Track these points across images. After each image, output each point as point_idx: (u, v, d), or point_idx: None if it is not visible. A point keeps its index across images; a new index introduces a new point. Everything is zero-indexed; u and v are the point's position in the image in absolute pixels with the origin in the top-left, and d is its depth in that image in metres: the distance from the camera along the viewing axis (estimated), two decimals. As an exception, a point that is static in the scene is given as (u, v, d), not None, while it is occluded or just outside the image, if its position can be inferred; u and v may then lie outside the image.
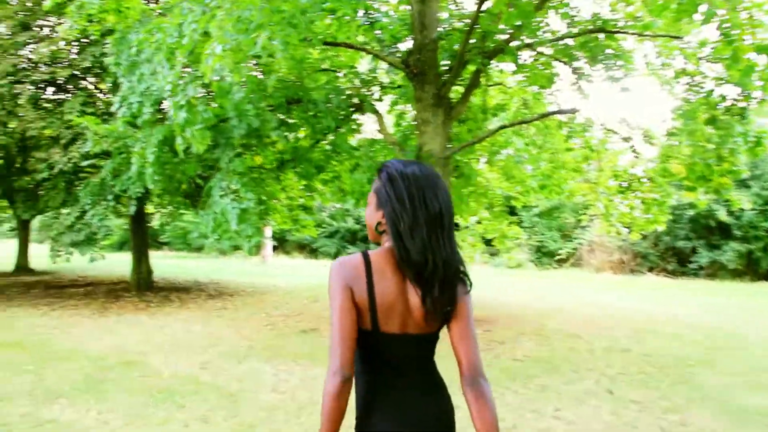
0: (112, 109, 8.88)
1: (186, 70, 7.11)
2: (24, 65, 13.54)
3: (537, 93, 12.11)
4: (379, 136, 11.53)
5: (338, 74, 11.52)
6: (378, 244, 1.99)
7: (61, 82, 13.88)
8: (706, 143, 9.96)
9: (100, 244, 12.84)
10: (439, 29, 9.80)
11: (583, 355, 7.72)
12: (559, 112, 10.60)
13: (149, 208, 17.61)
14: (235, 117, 8.33)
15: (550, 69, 10.86)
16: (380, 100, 11.71)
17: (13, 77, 12.80)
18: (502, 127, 10.66)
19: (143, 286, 15.07)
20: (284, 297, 13.93)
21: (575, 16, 9.91)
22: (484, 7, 8.53)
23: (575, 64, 10.72)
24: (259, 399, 5.67)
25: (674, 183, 11.89)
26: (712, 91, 9.35)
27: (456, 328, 1.90)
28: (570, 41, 10.16)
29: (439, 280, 1.83)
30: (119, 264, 21.22)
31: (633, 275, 22.17)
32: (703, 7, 6.24)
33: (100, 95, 14.61)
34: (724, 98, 9.25)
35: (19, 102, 13.01)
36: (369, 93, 11.17)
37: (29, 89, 12.88)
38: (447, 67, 10.32)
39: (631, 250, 23.18)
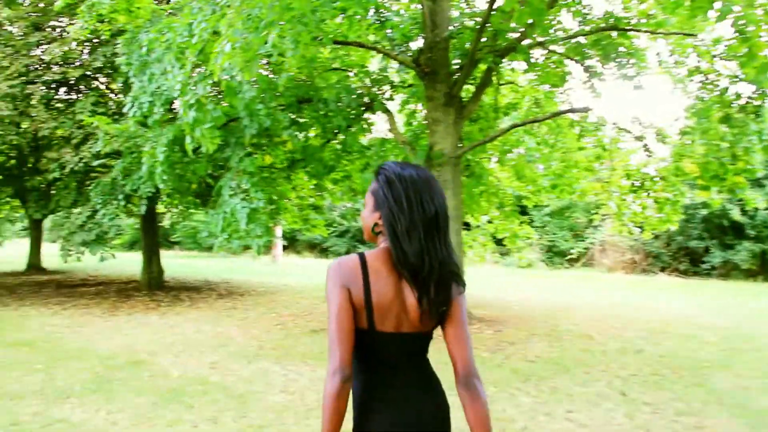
0: (124, 109, 8.88)
1: (196, 69, 7.09)
2: (36, 66, 13.59)
3: (549, 92, 12.05)
4: (390, 136, 11.49)
5: (349, 74, 11.48)
6: (373, 244, 2.01)
7: (73, 82, 13.92)
8: (720, 142, 9.86)
9: (110, 244, 12.85)
10: (450, 28, 9.76)
11: (595, 356, 7.64)
12: (571, 110, 10.52)
13: (160, 208, 17.65)
14: (247, 116, 8.30)
15: (562, 67, 10.79)
16: (391, 99, 11.68)
17: (25, 78, 12.84)
18: (514, 126, 10.60)
19: (154, 285, 15.09)
20: (294, 296, 13.91)
21: (587, 14, 9.84)
22: (495, 6, 8.46)
23: (587, 62, 10.64)
24: (268, 400, 5.63)
25: (687, 182, 11.79)
26: (727, 89, 9.26)
27: (450, 330, 1.93)
28: (582, 39, 10.08)
29: (435, 281, 1.86)
30: (130, 263, 21.29)
31: (645, 275, 22.02)
32: (718, 4, 6.16)
33: (112, 95, 14.66)
34: (738, 96, 9.15)
35: (31, 102, 13.06)
36: (380, 92, 11.13)
37: (41, 90, 12.93)
38: (458, 66, 10.27)
39: (643, 250, 23.03)
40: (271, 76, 10.10)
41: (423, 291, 1.85)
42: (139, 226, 17.21)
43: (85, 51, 14.01)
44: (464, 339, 1.94)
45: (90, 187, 11.98)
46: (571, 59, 10.68)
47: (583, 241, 24.70)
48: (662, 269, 22.38)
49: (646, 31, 9.92)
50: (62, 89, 14.55)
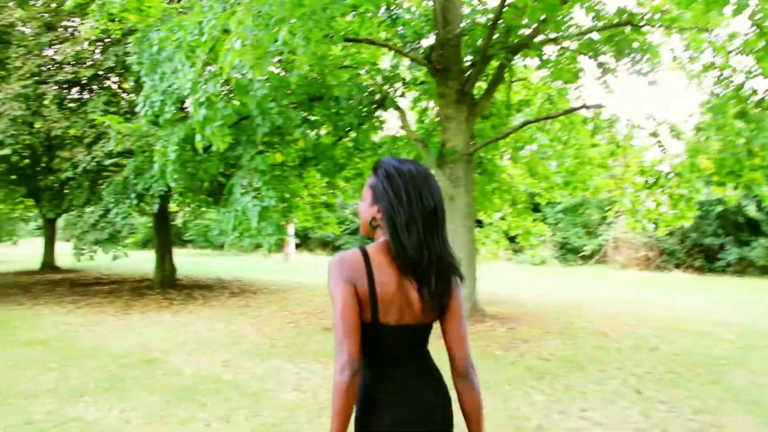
0: (136, 108, 8.90)
1: (207, 67, 7.08)
2: (48, 66, 13.66)
3: (561, 88, 11.96)
4: (402, 133, 11.45)
5: (360, 71, 11.45)
6: (369, 239, 2.05)
7: (85, 81, 13.98)
8: (735, 138, 9.74)
9: (123, 242, 12.90)
10: (462, 24, 9.70)
11: (609, 353, 7.57)
12: (585, 107, 10.45)
13: (172, 207, 17.71)
14: (259, 115, 8.29)
15: (575, 64, 10.70)
16: (403, 96, 11.63)
17: (37, 77, 12.91)
18: (526, 122, 10.54)
19: (167, 283, 15.15)
20: (307, 294, 13.91)
21: (601, 9, 9.73)
22: (507, 2, 8.41)
23: (601, 58, 10.54)
24: (280, 398, 5.61)
25: (702, 178, 11.67)
26: (743, 84, 9.14)
27: (449, 322, 1.98)
28: (595, 35, 9.99)
29: (434, 273, 1.91)
30: (143, 262, 21.38)
31: (659, 272, 21.88)
32: (734, -2, 6.08)
33: (123, 95, 14.71)
34: (755, 92, 9.04)
35: (44, 102, 13.13)
36: (391, 90, 11.09)
37: (54, 89, 12.99)
38: (470, 63, 10.22)
39: (657, 247, 22.87)
40: (282, 74, 10.08)
41: (423, 283, 1.89)
42: (152, 225, 17.27)
43: (97, 51, 14.07)
44: (462, 331, 2.00)
45: (102, 186, 12.03)
46: (584, 55, 10.59)
47: (597, 238, 24.57)
48: (677, 266, 22.22)
49: (660, 27, 9.82)
50: (74, 89, 14.62)
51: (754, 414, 5.19)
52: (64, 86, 13.86)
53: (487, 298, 11.46)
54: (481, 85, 11.02)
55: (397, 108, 10.40)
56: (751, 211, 19.83)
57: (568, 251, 25.13)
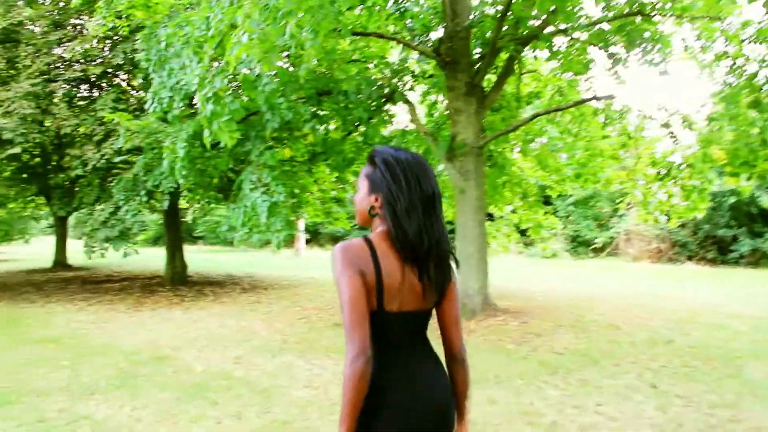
0: (146, 105, 8.88)
1: (214, 63, 7.05)
2: (58, 64, 13.68)
3: (572, 80, 11.85)
4: (412, 127, 11.39)
5: (369, 65, 11.39)
6: (364, 230, 2.05)
7: (94, 79, 13.99)
8: (749, 127, 9.63)
9: (133, 239, 12.91)
10: (470, 16, 9.61)
11: (623, 347, 7.49)
12: (595, 98, 10.34)
13: (183, 203, 17.72)
14: (268, 110, 8.24)
15: (585, 55, 10.60)
16: (412, 89, 11.56)
17: (47, 76, 12.92)
18: (537, 115, 10.45)
19: (177, 280, 15.17)
20: (318, 290, 13.90)
21: (611, -1, 9.63)
22: (517, -8, 8.32)
23: (611, 49, 10.43)
24: (292, 395, 5.58)
25: (715, 169, 11.56)
26: (756, 73, 9.02)
27: (445, 308, 2.05)
28: (606, 25, 9.87)
29: (434, 259, 1.94)
30: (154, 259, 21.44)
31: (671, 264, 21.73)
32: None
33: (133, 92, 14.71)
34: (768, 81, 8.92)
35: (53, 100, 13.14)
36: (400, 83, 11.02)
37: (63, 87, 13.00)
38: (479, 55, 10.13)
39: (670, 239, 22.71)
40: (291, 69, 10.03)
41: (423, 269, 1.92)
42: (163, 222, 17.31)
43: (106, 48, 14.07)
44: (458, 320, 2.09)
45: (112, 184, 12.03)
46: (595, 46, 10.48)
47: (608, 230, 24.43)
48: (689, 258, 22.06)
49: (671, 16, 9.69)
50: (83, 86, 14.64)
51: (772, 408, 5.11)
52: (73, 84, 13.88)
53: (499, 291, 11.40)
54: (490, 78, 10.94)
55: (407, 101, 10.34)
56: (765, 201, 19.65)
57: (579, 244, 25.00)
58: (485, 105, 9.95)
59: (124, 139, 10.49)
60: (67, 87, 13.53)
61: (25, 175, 15.61)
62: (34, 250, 32.75)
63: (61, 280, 16.61)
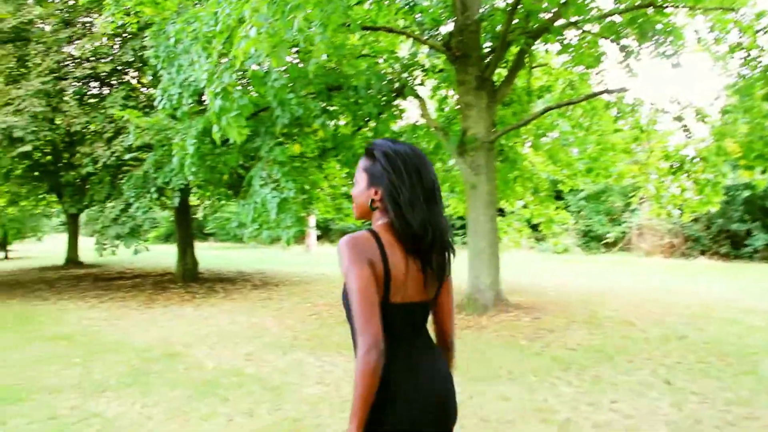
0: (155, 102, 8.87)
1: (223, 58, 7.01)
2: (68, 61, 13.71)
3: (583, 73, 11.75)
4: (422, 122, 11.32)
5: (378, 60, 11.33)
6: (361, 225, 2.00)
7: (104, 76, 14.01)
8: (764, 120, 9.51)
9: (144, 237, 12.93)
10: (481, 10, 9.53)
11: (637, 343, 7.42)
12: (607, 91, 10.25)
13: (193, 200, 17.75)
14: (278, 106, 8.21)
15: (597, 48, 10.50)
16: (422, 84, 11.49)
17: (57, 74, 12.95)
18: (549, 108, 10.36)
19: (188, 277, 15.19)
20: (329, 286, 13.87)
21: (623, -10, 9.52)
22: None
23: (623, 41, 10.32)
24: (303, 392, 5.55)
25: (729, 162, 11.43)
26: (772, 65, 8.90)
27: (441, 298, 2.08)
28: (617, 18, 9.77)
29: (437, 249, 1.97)
30: (165, 256, 21.49)
31: (684, 259, 21.54)
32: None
33: (143, 89, 14.73)
34: (785, 72, 8.80)
35: (64, 98, 13.18)
36: (410, 78, 10.95)
37: (73, 85, 13.03)
38: (489, 49, 10.06)
39: (682, 234, 22.50)
40: (300, 65, 9.98)
41: (426, 259, 1.95)
42: (174, 219, 17.34)
43: (115, 46, 14.09)
44: (452, 311, 2.14)
45: (123, 181, 12.05)
46: (606, 39, 10.38)
47: (620, 225, 24.26)
48: (702, 253, 21.85)
49: (684, 7, 9.58)
50: (94, 84, 14.67)
51: (790, 404, 5.03)
52: (83, 82, 13.91)
53: (510, 287, 11.33)
54: (501, 72, 10.86)
55: (417, 96, 10.27)
56: (780, 195, 19.45)
57: (591, 239, 24.84)
58: (496, 99, 9.87)
59: (134, 136, 10.48)
60: (78, 85, 13.57)
61: (36, 173, 15.66)
62: (47, 248, 32.93)
63: (73, 278, 16.68)
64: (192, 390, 5.66)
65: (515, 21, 8.97)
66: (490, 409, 4.91)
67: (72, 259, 21.30)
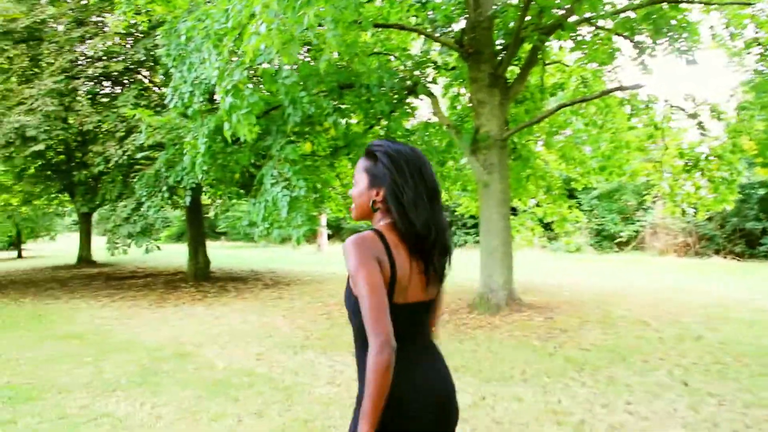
0: (166, 100, 8.86)
1: (234, 56, 6.97)
2: (80, 61, 13.74)
3: (596, 70, 11.64)
4: (435, 120, 11.25)
5: (390, 58, 11.27)
6: (359, 225, 1.97)
7: (116, 75, 14.04)
8: (781, 117, 9.39)
9: (156, 236, 12.94)
10: (494, 6, 9.45)
11: (652, 343, 7.31)
12: (622, 88, 10.13)
13: (205, 199, 17.76)
14: (290, 104, 8.17)
15: (611, 44, 10.39)
16: (434, 82, 11.42)
17: (69, 73, 12.98)
18: (562, 105, 10.26)
19: (200, 276, 15.20)
20: (340, 285, 13.81)
21: (637, -14, 9.41)
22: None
23: (637, 38, 10.21)
24: (314, 392, 5.50)
25: (745, 159, 11.30)
26: (789, 61, 8.77)
27: (434, 301, 2.09)
28: (631, 14, 9.66)
29: (439, 250, 1.99)
30: (177, 255, 21.53)
31: (698, 258, 21.32)
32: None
33: (154, 88, 14.74)
34: (802, 68, 8.67)
35: (76, 97, 13.21)
36: (422, 76, 10.88)
37: (86, 84, 13.06)
38: (502, 46, 9.97)
39: (696, 233, 22.28)
40: (312, 63, 9.94)
41: (429, 259, 1.96)
42: (185, 218, 17.37)
43: (127, 45, 14.12)
44: (442, 302, 2.19)
45: (134, 180, 12.06)
46: (620, 35, 10.27)
47: (633, 224, 24.06)
48: (716, 252, 21.62)
49: (699, 2, 9.46)
50: (106, 83, 14.71)
51: (809, 406, 4.93)
52: (96, 81, 13.94)
53: (523, 286, 11.24)
54: (513, 69, 10.78)
55: (429, 94, 10.20)
56: (796, 193, 19.22)
57: (603, 238, 24.64)
58: (509, 96, 9.79)
59: (146, 135, 10.48)
60: (90, 84, 13.59)
61: (49, 172, 15.73)
62: (60, 247, 33.14)
63: (86, 277, 16.74)
64: (202, 390, 5.62)
65: (528, 17, 8.89)
66: (503, 411, 4.84)
67: (84, 258, 21.40)
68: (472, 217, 14.77)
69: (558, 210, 13.93)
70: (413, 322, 1.97)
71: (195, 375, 6.21)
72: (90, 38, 13.71)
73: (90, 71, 13.31)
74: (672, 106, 11.45)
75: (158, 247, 12.88)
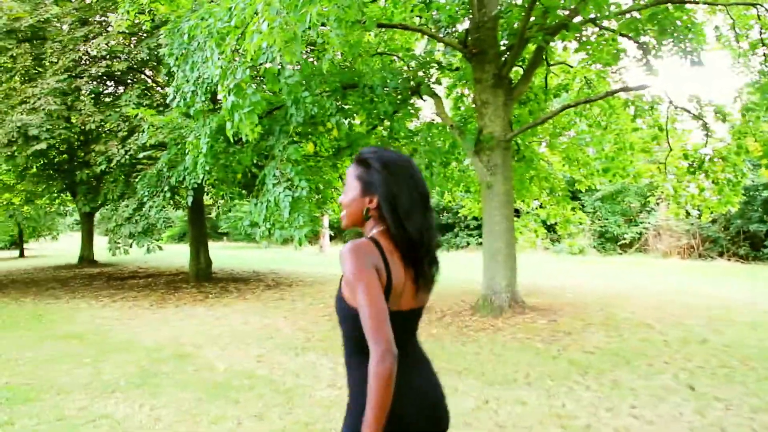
0: (168, 100, 8.82)
1: (236, 55, 6.93)
2: (84, 60, 13.72)
3: (601, 71, 11.58)
4: (438, 120, 11.19)
5: (394, 58, 11.22)
6: (350, 232, 1.95)
7: (119, 75, 14.01)
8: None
9: (157, 236, 12.90)
10: (498, 6, 9.40)
11: (657, 346, 7.24)
12: (627, 89, 10.05)
13: (207, 199, 17.72)
14: (292, 104, 8.12)
15: (615, 45, 10.32)
16: (438, 82, 11.36)
17: (72, 72, 12.96)
18: (567, 106, 10.20)
19: (202, 277, 15.15)
20: (342, 287, 13.74)
21: (643, -14, 9.34)
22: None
23: (642, 38, 10.14)
24: (315, 395, 5.44)
25: (750, 161, 11.23)
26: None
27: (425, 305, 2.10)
28: (636, 14, 9.59)
29: (430, 257, 1.99)
30: (179, 255, 21.51)
31: (702, 260, 21.23)
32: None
33: (158, 88, 14.71)
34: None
35: (80, 97, 13.18)
36: (426, 75, 10.82)
37: (88, 83, 13.03)
38: (506, 47, 9.92)
39: (700, 235, 22.19)
40: (315, 63, 9.89)
41: (421, 267, 1.96)
42: (187, 218, 17.33)
43: (131, 44, 14.09)
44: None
45: (136, 180, 12.03)
46: (625, 36, 10.20)
47: (636, 226, 23.98)
48: (720, 254, 21.53)
49: (705, 3, 9.38)
50: (109, 83, 14.69)
51: (817, 411, 4.85)
52: (99, 80, 13.92)
53: (526, 288, 11.17)
54: (518, 70, 10.72)
55: (433, 94, 10.15)
56: (801, 196, 19.12)
57: (606, 240, 24.56)
58: (513, 97, 9.73)
59: (148, 135, 10.44)
60: (95, 83, 13.57)
61: (51, 172, 15.71)
62: (62, 246, 33.14)
63: (87, 276, 16.71)
64: (202, 392, 5.57)
65: (533, 18, 8.82)
66: (507, 415, 4.78)
67: (86, 258, 21.37)
68: (475, 218, 14.69)
69: (561, 212, 13.86)
70: (405, 330, 1.95)
71: (195, 376, 6.16)
72: (93, 37, 13.69)
73: (93, 70, 13.28)
74: (676, 108, 11.38)
75: (160, 247, 12.84)
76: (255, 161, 10.20)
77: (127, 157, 11.99)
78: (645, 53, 10.22)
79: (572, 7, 8.74)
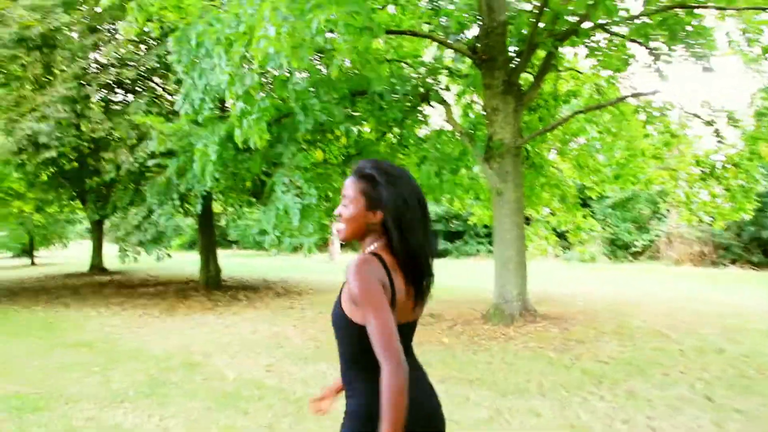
0: (176, 107, 8.80)
1: (244, 61, 6.90)
2: (94, 68, 13.75)
3: (611, 77, 11.49)
4: (447, 127, 11.13)
5: (403, 65, 11.18)
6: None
7: (129, 83, 14.03)
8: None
9: (167, 243, 12.88)
10: (507, 12, 9.34)
11: (672, 355, 7.13)
12: (638, 94, 9.98)
13: (217, 207, 17.71)
14: (301, 111, 8.08)
15: (625, 51, 10.25)
16: (447, 89, 11.31)
17: (81, 80, 12.98)
18: (577, 113, 10.14)
19: (212, 285, 15.11)
20: (351, 294, 13.68)
21: (653, -8, 9.26)
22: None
23: (652, 44, 10.06)
24: (325, 405, 5.37)
25: (762, 167, 11.12)
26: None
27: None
28: (646, 19, 9.51)
29: (428, 271, 2.01)
30: (189, 263, 21.49)
31: (715, 268, 21.05)
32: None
33: (167, 96, 14.73)
34: (821, 74, 8.49)
35: (89, 104, 13.21)
36: (435, 82, 10.77)
37: (99, 92, 13.06)
38: (516, 53, 9.86)
39: (712, 242, 22.01)
40: (324, 71, 9.86)
41: (419, 281, 1.99)
42: (197, 226, 17.32)
43: (140, 53, 14.12)
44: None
45: (145, 188, 12.02)
46: (635, 42, 10.12)
47: (648, 233, 23.81)
48: (733, 261, 21.34)
49: (717, 7, 9.29)
50: (119, 91, 14.72)
51: (838, 423, 4.75)
52: (108, 88, 13.94)
53: (537, 296, 11.07)
54: (527, 77, 10.65)
55: (442, 101, 10.09)
56: (814, 202, 18.90)
57: (618, 247, 24.40)
58: (523, 104, 9.66)
59: (157, 143, 10.43)
60: (104, 91, 13.59)
61: (61, 179, 15.73)
62: (72, 254, 33.22)
63: (97, 284, 16.71)
64: (211, 401, 5.51)
65: (542, 24, 8.77)
66: (520, 426, 4.70)
67: (96, 266, 21.39)
68: (485, 225, 14.59)
69: (572, 219, 13.76)
70: (404, 343, 1.92)
71: (204, 386, 6.10)
72: (103, 45, 13.72)
73: (102, 78, 13.31)
74: (687, 113, 11.28)
75: (169, 255, 12.83)
76: (264, 169, 10.17)
77: (136, 165, 11.99)
78: (655, 59, 10.15)
79: (582, 12, 8.68)
